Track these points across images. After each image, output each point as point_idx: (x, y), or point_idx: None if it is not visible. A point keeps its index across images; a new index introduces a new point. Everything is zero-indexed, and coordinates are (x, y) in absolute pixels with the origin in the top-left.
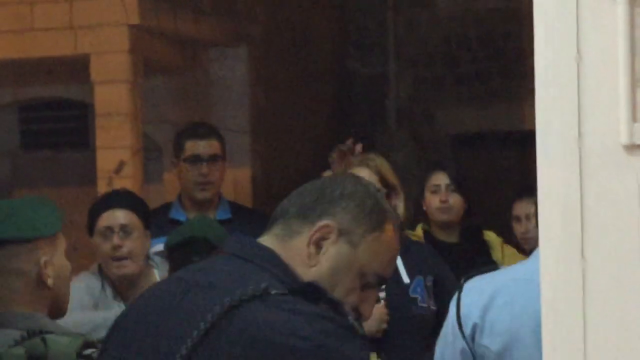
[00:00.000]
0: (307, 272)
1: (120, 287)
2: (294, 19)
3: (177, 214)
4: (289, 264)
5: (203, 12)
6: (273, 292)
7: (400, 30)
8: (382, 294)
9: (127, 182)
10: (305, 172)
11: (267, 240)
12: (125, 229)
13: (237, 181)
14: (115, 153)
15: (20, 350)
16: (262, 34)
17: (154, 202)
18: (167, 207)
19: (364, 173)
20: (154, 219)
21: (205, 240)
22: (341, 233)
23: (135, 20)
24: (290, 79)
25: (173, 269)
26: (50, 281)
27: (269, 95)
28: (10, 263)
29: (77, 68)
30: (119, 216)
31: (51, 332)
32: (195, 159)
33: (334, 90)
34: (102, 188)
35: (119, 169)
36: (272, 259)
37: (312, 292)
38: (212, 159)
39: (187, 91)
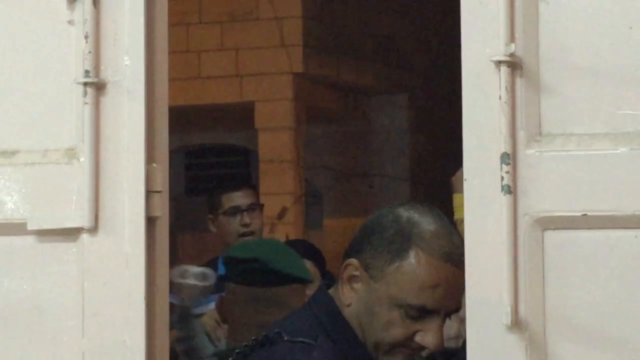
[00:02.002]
0: (348, 312)
1: None
2: (454, 67)
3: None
4: (340, 307)
5: (365, 61)
6: (285, 338)
7: None
8: None
9: (289, 228)
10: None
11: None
12: None
13: None
14: (277, 199)
15: None
16: (422, 81)
17: None
18: (214, 261)
19: None
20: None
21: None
22: (366, 268)
23: (299, 68)
24: (450, 126)
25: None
26: None
27: (429, 143)
28: (290, 299)
29: (241, 115)
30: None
31: None
32: (235, 210)
33: None
34: (265, 234)
35: (281, 215)
36: (323, 305)
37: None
38: (251, 207)
39: (348, 138)
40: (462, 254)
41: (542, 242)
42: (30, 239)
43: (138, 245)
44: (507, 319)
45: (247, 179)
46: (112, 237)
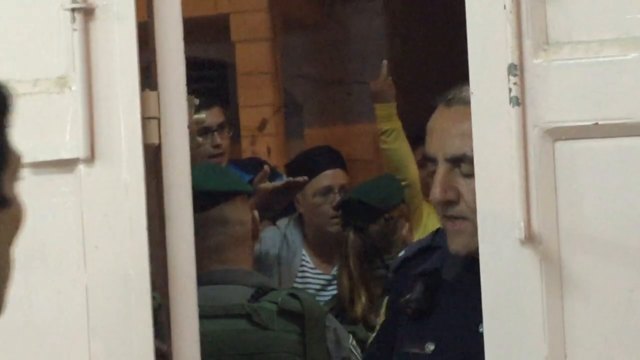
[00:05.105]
0: None
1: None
2: None
3: None
4: None
5: None
6: None
7: None
8: None
9: (269, 139)
10: None
11: None
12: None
13: (375, 136)
14: (257, 111)
15: (269, 305)
16: None
17: None
18: None
19: None
20: None
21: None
22: None
23: None
24: (427, 31)
25: None
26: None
27: (406, 49)
28: (234, 213)
29: (217, 28)
30: (340, 176)
31: (274, 289)
32: (205, 131)
33: None
34: (246, 146)
35: (261, 127)
36: None
37: None
38: (221, 127)
39: (325, 46)
40: None
41: (553, 153)
42: (25, 172)
43: (137, 174)
44: (520, 233)
45: (217, 96)
46: (109, 166)
